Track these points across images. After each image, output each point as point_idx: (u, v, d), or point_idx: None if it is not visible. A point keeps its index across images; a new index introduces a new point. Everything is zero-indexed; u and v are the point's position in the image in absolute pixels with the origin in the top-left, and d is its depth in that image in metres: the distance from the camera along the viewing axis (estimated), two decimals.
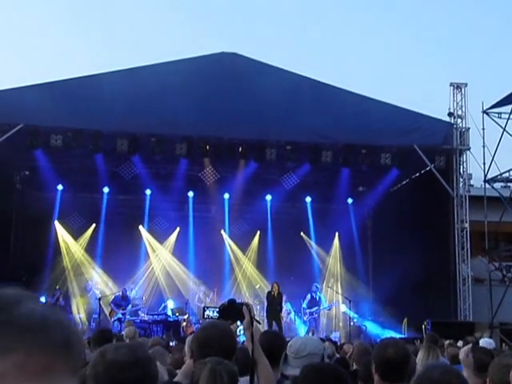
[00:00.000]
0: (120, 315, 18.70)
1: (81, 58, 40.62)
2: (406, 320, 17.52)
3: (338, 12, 45.76)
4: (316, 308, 19.38)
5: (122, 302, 19.05)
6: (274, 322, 17.37)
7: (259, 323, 4.49)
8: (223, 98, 16.60)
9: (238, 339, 4.36)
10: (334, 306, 20.58)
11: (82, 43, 44.54)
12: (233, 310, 3.82)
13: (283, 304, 18.81)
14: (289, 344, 4.29)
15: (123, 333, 9.50)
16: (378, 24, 45.58)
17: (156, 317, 18.79)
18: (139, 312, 19.36)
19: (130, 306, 19.14)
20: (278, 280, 20.06)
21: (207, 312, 16.67)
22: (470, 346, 5.50)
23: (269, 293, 18.50)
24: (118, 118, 16.16)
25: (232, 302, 3.94)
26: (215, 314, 15.79)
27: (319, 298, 19.69)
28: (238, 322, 4.00)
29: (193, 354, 3.35)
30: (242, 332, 8.52)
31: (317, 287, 19.87)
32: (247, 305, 3.79)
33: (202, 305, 19.54)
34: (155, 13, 45.05)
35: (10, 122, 16.05)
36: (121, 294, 19.20)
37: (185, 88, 16.55)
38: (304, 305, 19.56)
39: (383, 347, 3.78)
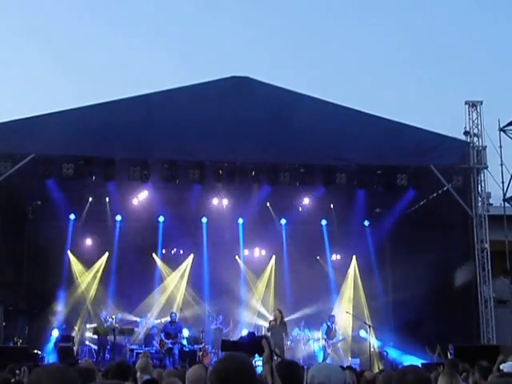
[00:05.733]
0: (170, 345, 18.03)
1: (93, 84, 40.90)
2: (438, 348, 16.91)
3: (347, 30, 45.85)
4: (335, 338, 19.03)
5: (171, 329, 18.37)
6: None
7: (279, 356, 4.31)
8: (235, 122, 16.45)
9: None
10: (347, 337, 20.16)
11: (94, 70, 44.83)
12: (252, 343, 3.66)
13: (288, 331, 18.52)
14: (311, 374, 4.07)
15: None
16: (391, 43, 45.60)
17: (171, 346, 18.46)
18: (154, 342, 19.05)
19: (181, 334, 18.39)
20: (295, 305, 19.72)
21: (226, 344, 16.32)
22: None
23: (272, 321, 18.09)
24: (130, 145, 16.05)
25: (251, 335, 3.80)
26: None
27: (335, 328, 19.30)
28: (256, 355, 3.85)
29: None
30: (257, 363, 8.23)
31: (334, 317, 19.51)
32: (267, 338, 3.62)
33: (215, 327, 19.18)
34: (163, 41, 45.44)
35: (22, 152, 15.98)
36: (170, 319, 18.73)
37: (196, 113, 16.45)
38: (323, 335, 19.15)
39: (402, 374, 3.73)
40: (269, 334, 17.30)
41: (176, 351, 17.90)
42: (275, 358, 3.70)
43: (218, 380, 3.08)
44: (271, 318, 18.36)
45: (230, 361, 3.18)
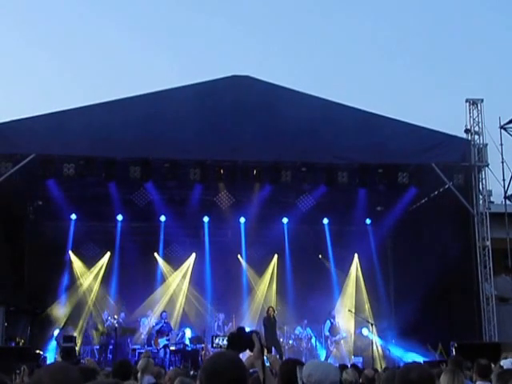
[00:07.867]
0: (165, 341, 18.35)
1: (93, 84, 40.88)
2: (439, 346, 16.94)
3: (348, 30, 45.82)
4: (339, 335, 19.05)
5: (163, 327, 18.79)
6: (273, 348, 16.97)
7: (269, 351, 4.30)
8: (236, 121, 16.45)
9: None
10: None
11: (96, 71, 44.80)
12: (242, 339, 3.64)
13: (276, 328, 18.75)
14: (307, 373, 4.01)
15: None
16: (391, 41, 45.55)
17: (173, 346, 18.46)
18: (152, 342, 19.05)
19: (173, 331, 18.87)
20: (297, 304, 19.73)
21: (216, 340, 16.43)
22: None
23: (266, 318, 18.39)
24: (131, 145, 16.02)
25: (241, 330, 3.77)
26: (224, 342, 15.55)
27: (338, 325, 19.31)
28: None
29: None
30: None
31: (334, 315, 19.54)
32: (257, 332, 3.60)
33: (221, 333, 19.22)
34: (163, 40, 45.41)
35: (22, 152, 15.95)
36: (161, 318, 19.07)
37: (197, 112, 16.43)
38: (326, 332, 19.16)
39: (406, 371, 3.71)
40: (262, 330, 17.42)
41: (169, 349, 18.21)
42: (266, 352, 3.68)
43: (206, 378, 3.05)
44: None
45: (218, 359, 3.15)
